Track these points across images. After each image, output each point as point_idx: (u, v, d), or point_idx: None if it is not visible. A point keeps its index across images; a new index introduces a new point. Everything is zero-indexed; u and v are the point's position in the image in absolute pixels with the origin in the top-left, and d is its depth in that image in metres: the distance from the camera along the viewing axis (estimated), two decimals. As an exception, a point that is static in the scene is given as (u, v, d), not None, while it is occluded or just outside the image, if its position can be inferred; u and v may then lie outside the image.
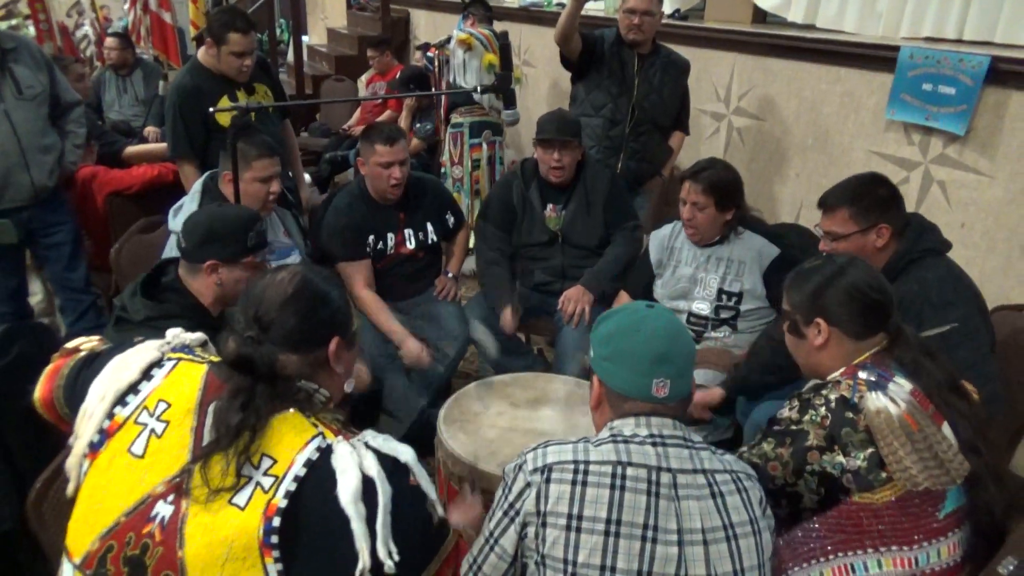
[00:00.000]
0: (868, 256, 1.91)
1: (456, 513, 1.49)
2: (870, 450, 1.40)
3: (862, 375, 1.46)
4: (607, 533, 1.18)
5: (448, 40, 4.22)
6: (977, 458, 1.43)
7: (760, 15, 3.84)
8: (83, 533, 1.12)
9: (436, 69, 4.39)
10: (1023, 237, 2.56)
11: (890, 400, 1.40)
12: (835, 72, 3.19)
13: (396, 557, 1.03)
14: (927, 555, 1.41)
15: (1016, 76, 2.51)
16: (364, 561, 1.01)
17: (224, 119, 2.90)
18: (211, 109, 2.45)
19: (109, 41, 4.91)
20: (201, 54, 3.02)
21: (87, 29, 8.21)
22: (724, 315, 2.46)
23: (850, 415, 1.42)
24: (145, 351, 1.24)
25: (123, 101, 4.81)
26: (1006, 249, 2.62)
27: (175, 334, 1.29)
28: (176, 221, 2.40)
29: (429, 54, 4.47)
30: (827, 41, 3.22)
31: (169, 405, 1.16)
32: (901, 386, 1.43)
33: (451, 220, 2.98)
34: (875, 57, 2.99)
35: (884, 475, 1.39)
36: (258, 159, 2.38)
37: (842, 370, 1.51)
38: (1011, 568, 1.28)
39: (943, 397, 1.46)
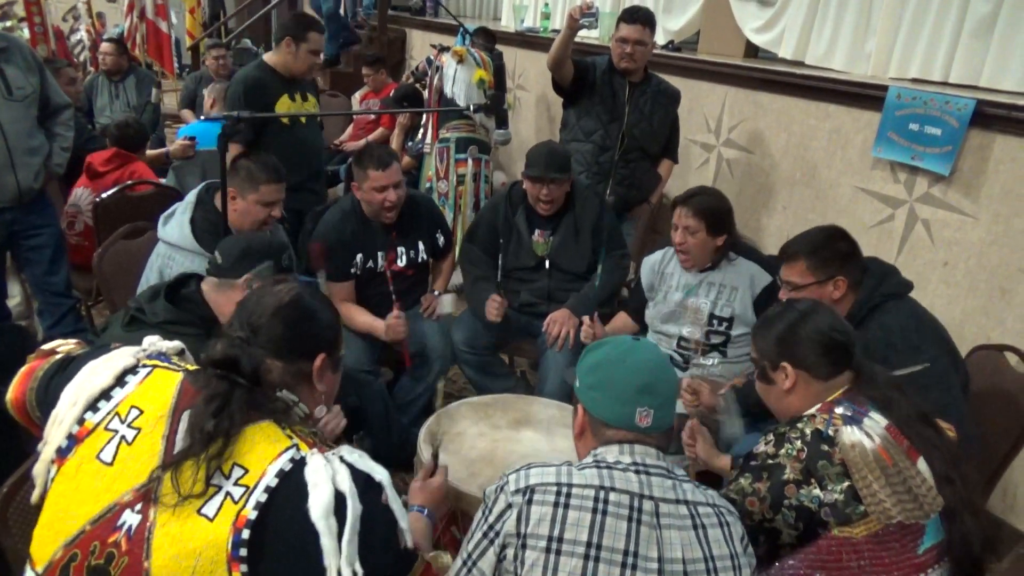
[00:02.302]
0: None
1: (416, 489, 1.51)
2: (846, 483, 1.41)
3: (838, 410, 1.49)
4: (587, 557, 1.17)
5: (448, 48, 4.25)
6: (951, 489, 1.44)
7: (752, 50, 3.90)
8: (47, 541, 1.09)
9: (432, 72, 4.40)
10: (1003, 278, 2.59)
11: (865, 435, 1.41)
12: (824, 109, 3.24)
13: None
14: None
15: (1000, 120, 2.56)
16: None
17: (283, 112, 3.18)
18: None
19: (105, 46, 4.91)
20: (269, 56, 3.26)
21: (82, 34, 8.21)
22: (714, 340, 2.46)
23: (825, 448, 1.44)
24: (120, 357, 1.22)
25: (115, 107, 4.80)
26: (987, 289, 2.65)
27: (151, 342, 1.28)
28: (166, 229, 2.38)
29: (430, 56, 4.49)
30: (817, 78, 3.27)
31: (141, 412, 1.14)
32: (876, 421, 1.46)
33: (441, 240, 2.98)
34: (863, 95, 3.04)
35: (861, 508, 1.40)
36: (267, 183, 2.38)
37: (818, 406, 1.53)
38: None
39: (916, 430, 1.48)
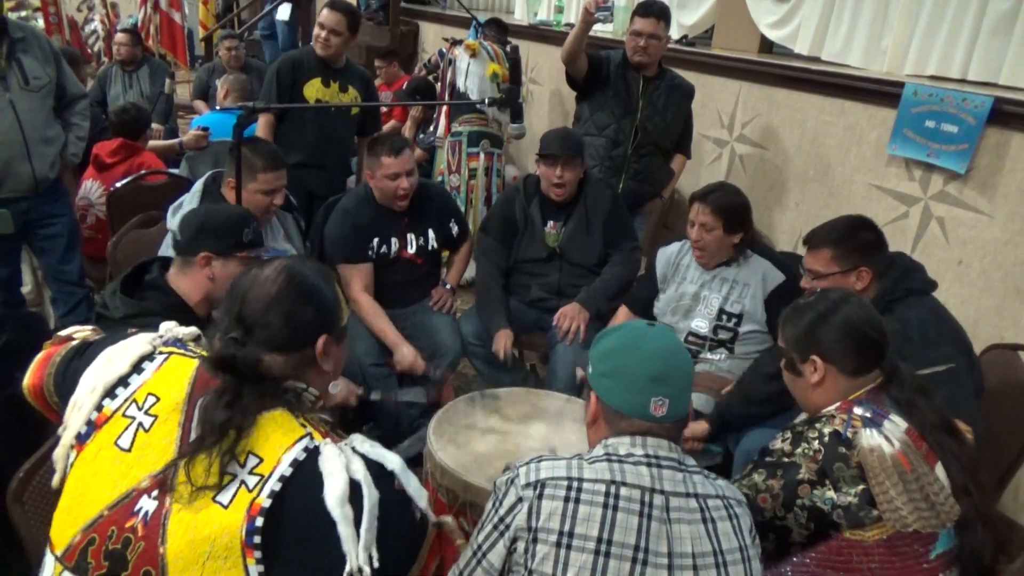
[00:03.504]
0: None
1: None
2: (861, 487, 1.39)
3: (857, 411, 1.46)
4: (597, 552, 1.17)
5: (461, 41, 4.25)
6: (968, 500, 1.42)
7: (767, 45, 3.88)
8: (66, 525, 1.10)
9: (444, 65, 4.40)
10: (1018, 278, 2.57)
11: (884, 439, 1.39)
12: (839, 105, 3.22)
13: (376, 564, 1.01)
14: None
15: (1018, 118, 2.54)
16: (352, 564, 0.99)
17: (310, 93, 3.28)
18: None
19: (120, 37, 4.93)
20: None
21: (96, 24, 8.25)
22: (722, 335, 2.45)
23: (843, 450, 1.42)
24: (137, 344, 1.22)
25: (128, 97, 4.81)
26: (1001, 289, 2.63)
27: (168, 328, 1.28)
28: (174, 220, 2.38)
29: (442, 49, 4.49)
30: (832, 74, 3.25)
31: (158, 399, 1.14)
32: (896, 424, 1.43)
33: (455, 229, 2.98)
34: (879, 92, 3.02)
35: (875, 513, 1.38)
36: (264, 171, 2.37)
37: (837, 404, 1.51)
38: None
39: (936, 437, 1.46)
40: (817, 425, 1.47)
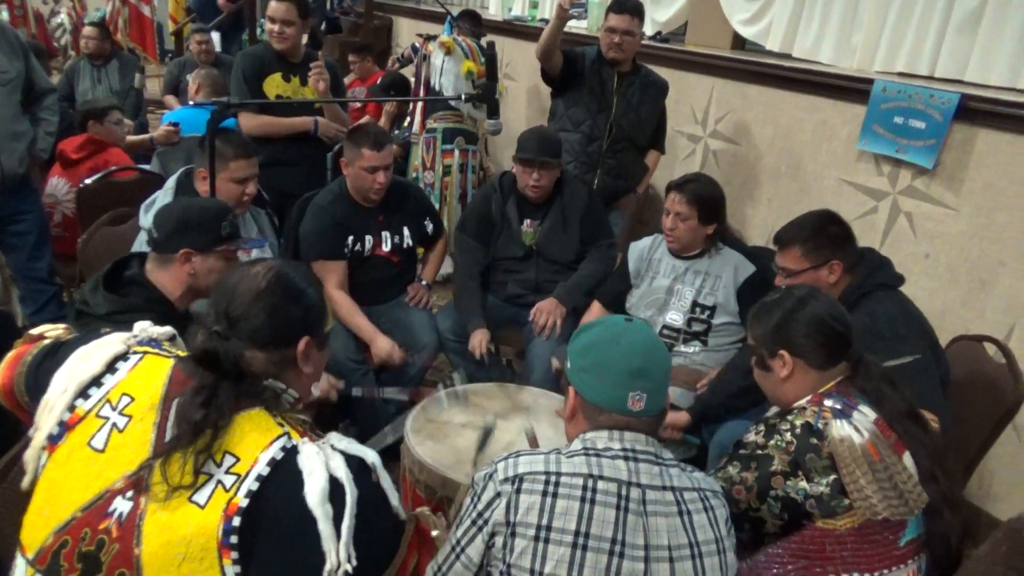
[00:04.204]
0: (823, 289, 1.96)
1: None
2: (833, 477, 1.42)
3: (828, 403, 1.49)
4: (575, 545, 1.18)
5: (435, 37, 4.23)
6: (935, 487, 1.46)
7: (739, 41, 3.91)
8: (38, 527, 1.09)
9: (418, 61, 4.37)
10: (984, 271, 2.63)
11: (854, 429, 1.42)
12: (810, 101, 3.26)
13: (354, 562, 1.01)
14: None
15: (984, 114, 2.59)
16: (332, 562, 0.99)
17: (270, 90, 3.20)
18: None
19: (88, 30, 4.85)
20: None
21: (63, 17, 8.10)
22: (696, 328, 2.48)
23: (815, 441, 1.45)
24: (110, 344, 1.21)
25: (97, 92, 4.74)
26: (967, 282, 2.69)
27: (143, 327, 1.27)
28: (147, 217, 2.36)
29: (416, 44, 4.46)
30: (803, 71, 3.29)
31: (132, 399, 1.13)
32: (865, 415, 1.46)
33: (430, 227, 2.98)
34: (849, 89, 3.06)
35: (846, 502, 1.41)
36: (235, 159, 2.35)
37: (808, 397, 1.54)
38: (965, 593, 1.31)
39: (904, 426, 1.49)
40: (789, 417, 1.50)
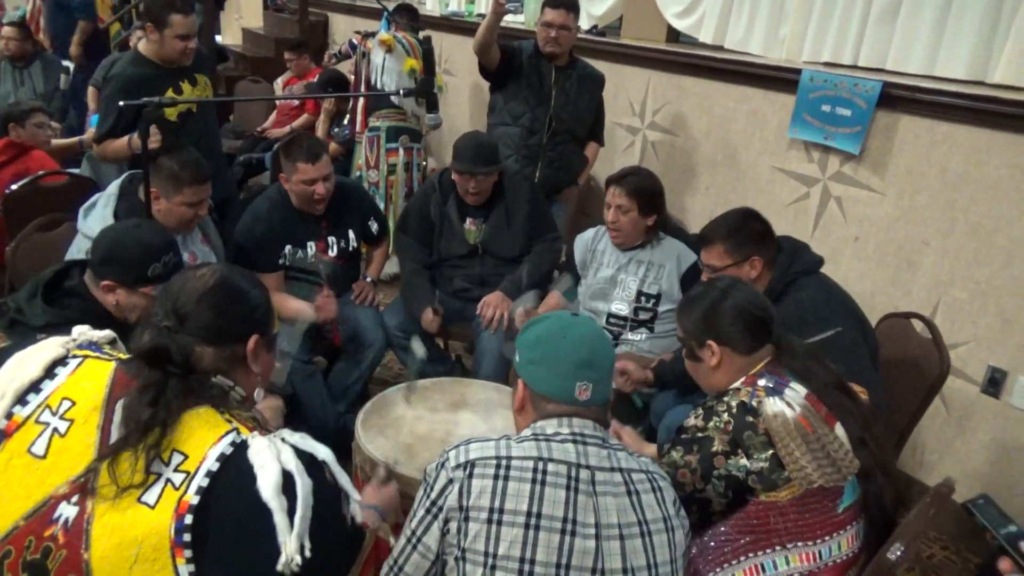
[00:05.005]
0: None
1: (370, 492, 1.49)
2: (770, 451, 1.48)
3: (761, 382, 1.56)
4: (527, 526, 1.21)
5: (373, 34, 4.18)
6: (866, 451, 1.53)
7: (674, 34, 3.99)
8: (-22, 539, 1.06)
9: (357, 59, 4.31)
10: (909, 251, 2.76)
11: (786, 405, 1.49)
12: (742, 92, 3.35)
13: (307, 553, 1.02)
14: (829, 548, 1.50)
15: (904, 101, 2.71)
16: (288, 553, 0.99)
17: (172, 113, 2.81)
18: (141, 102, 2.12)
19: (7, 30, 4.65)
20: (142, 45, 2.91)
21: (-21, 17, 7.73)
22: (642, 316, 2.54)
23: (750, 419, 1.51)
24: (48, 348, 1.19)
25: (20, 94, 4.56)
26: (895, 262, 2.81)
27: (82, 331, 1.24)
28: (87, 222, 2.29)
29: (353, 41, 4.40)
30: (735, 62, 3.38)
31: (74, 403, 1.11)
32: (796, 391, 1.54)
33: (375, 227, 2.96)
34: (779, 79, 3.16)
35: (785, 474, 1.47)
36: (190, 185, 2.26)
37: (742, 380, 1.61)
38: (899, 553, 1.38)
39: (832, 397, 1.57)
40: (725, 399, 1.57)
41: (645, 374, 2.32)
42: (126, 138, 2.75)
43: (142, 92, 2.60)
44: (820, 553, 1.49)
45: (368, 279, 3.00)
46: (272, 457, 1.04)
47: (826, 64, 3.13)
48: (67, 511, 1.03)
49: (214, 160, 3.00)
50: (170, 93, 2.84)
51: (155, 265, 1.77)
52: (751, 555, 1.50)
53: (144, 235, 1.84)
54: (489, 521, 1.21)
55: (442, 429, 2.08)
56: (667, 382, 2.34)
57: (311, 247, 2.75)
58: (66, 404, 1.11)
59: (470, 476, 1.24)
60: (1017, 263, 2.45)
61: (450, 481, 1.25)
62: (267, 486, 1.01)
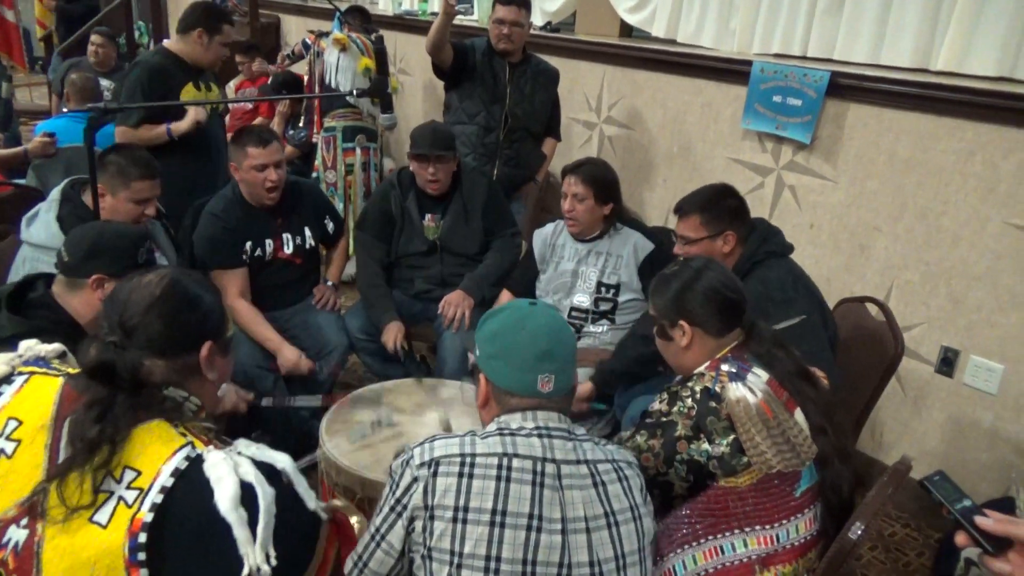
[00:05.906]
0: (716, 259, 2.05)
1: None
2: (732, 437, 1.50)
3: (724, 367, 1.57)
4: (492, 524, 1.20)
5: (327, 33, 4.14)
6: (824, 439, 1.56)
7: (627, 29, 4.02)
8: (-76, 566, 1.02)
9: (311, 58, 4.26)
10: (862, 236, 2.81)
11: (748, 390, 1.51)
12: (696, 84, 3.39)
13: (273, 562, 1.00)
14: (787, 532, 1.52)
15: (852, 90, 2.76)
16: (251, 564, 0.97)
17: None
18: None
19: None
20: (172, 43, 3.17)
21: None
22: (603, 307, 2.56)
23: (713, 404, 1.52)
24: None
25: (-40, 104, 4.42)
26: (848, 248, 2.87)
27: (28, 346, 1.20)
28: (30, 231, 2.23)
29: (307, 40, 4.35)
30: (687, 55, 3.41)
31: (20, 423, 1.08)
32: (759, 376, 1.55)
33: (331, 226, 2.93)
34: (731, 71, 3.20)
35: (745, 459, 1.49)
36: (139, 180, 2.27)
37: (707, 364, 1.61)
38: (860, 532, 1.40)
39: (794, 384, 1.59)
40: (689, 384, 1.58)
41: (586, 389, 2.31)
42: (163, 126, 2.98)
43: (163, 81, 3.04)
44: (777, 536, 1.51)
45: (329, 283, 2.96)
46: (229, 470, 1.02)
47: (776, 55, 3.18)
48: (16, 535, 1.00)
49: (221, 164, 3.16)
50: (189, 88, 3.12)
51: (141, 250, 1.80)
52: (710, 537, 1.52)
53: (118, 227, 1.89)
54: (454, 520, 1.20)
55: (409, 430, 2.06)
56: (609, 383, 2.35)
57: (269, 244, 2.71)
58: (12, 424, 1.07)
59: (435, 474, 1.23)
60: (963, 245, 2.52)
61: (415, 479, 1.24)
62: (224, 499, 0.99)
